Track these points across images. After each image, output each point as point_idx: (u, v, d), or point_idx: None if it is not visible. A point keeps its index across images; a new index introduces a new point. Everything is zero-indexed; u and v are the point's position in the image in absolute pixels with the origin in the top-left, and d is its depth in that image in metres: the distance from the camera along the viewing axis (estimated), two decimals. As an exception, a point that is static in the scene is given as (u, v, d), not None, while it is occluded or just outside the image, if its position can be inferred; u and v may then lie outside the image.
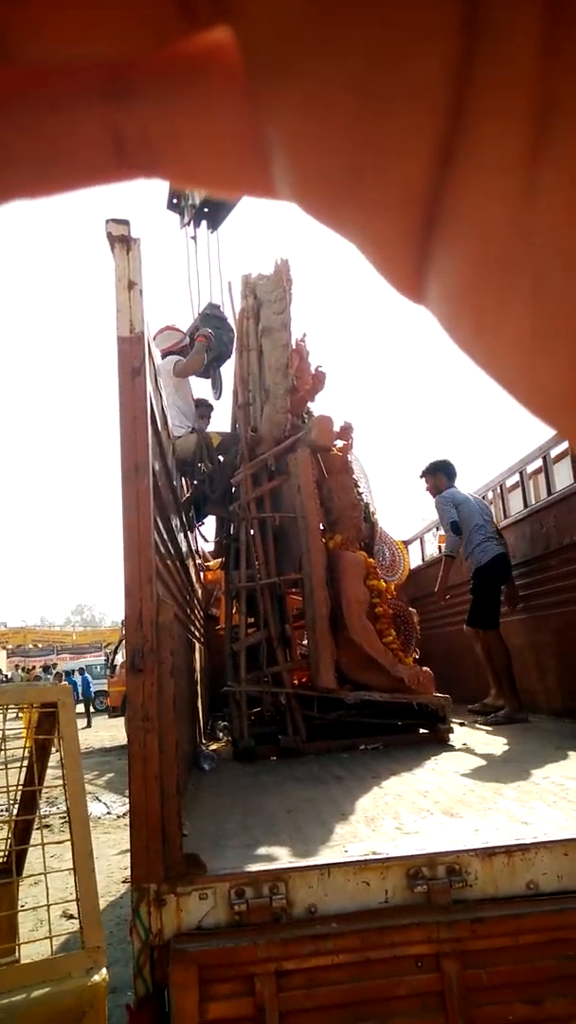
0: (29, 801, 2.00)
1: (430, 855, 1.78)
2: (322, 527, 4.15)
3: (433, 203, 0.14)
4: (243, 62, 0.14)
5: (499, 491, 5.54)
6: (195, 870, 1.74)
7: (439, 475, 4.95)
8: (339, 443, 4.53)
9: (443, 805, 2.34)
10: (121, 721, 11.42)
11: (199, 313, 5.84)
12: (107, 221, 2.05)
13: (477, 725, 4.47)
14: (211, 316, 5.76)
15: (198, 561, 5.66)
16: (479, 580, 4.67)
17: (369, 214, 0.15)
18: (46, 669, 23.91)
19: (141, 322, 2.01)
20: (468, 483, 5.89)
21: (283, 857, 1.86)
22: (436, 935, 1.65)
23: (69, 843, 1.74)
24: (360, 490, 4.51)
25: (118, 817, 6.45)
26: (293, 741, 3.81)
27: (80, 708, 17.74)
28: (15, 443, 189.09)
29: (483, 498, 5.76)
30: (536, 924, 1.67)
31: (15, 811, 1.97)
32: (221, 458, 4.89)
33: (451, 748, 3.68)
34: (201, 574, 6.04)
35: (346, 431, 4.65)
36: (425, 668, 4.00)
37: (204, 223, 5.98)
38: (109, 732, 14.74)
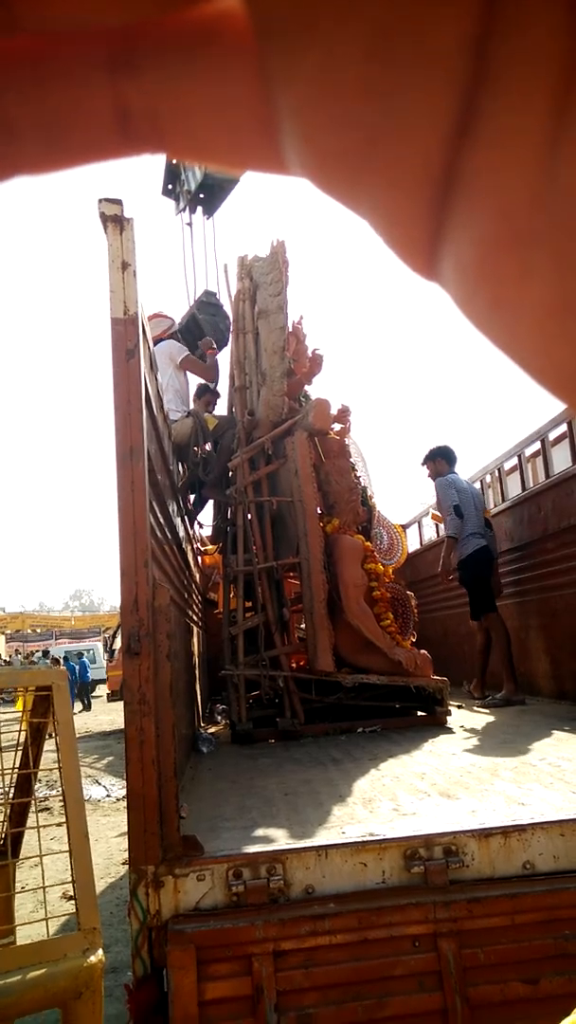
0: (24, 784, 2.00)
1: (427, 836, 1.79)
2: (320, 511, 4.15)
3: (449, 177, 0.14)
4: (254, 28, 0.14)
5: (497, 474, 5.54)
6: (193, 852, 1.74)
7: (440, 461, 5.05)
8: (336, 426, 4.51)
9: (440, 787, 2.36)
10: (120, 705, 11.43)
11: (195, 300, 5.80)
12: (100, 200, 2.02)
13: (475, 708, 4.50)
14: (207, 303, 5.73)
15: (195, 545, 5.65)
16: (463, 572, 4.86)
17: (383, 188, 0.14)
18: (45, 654, 24.13)
19: (135, 303, 1.98)
20: (466, 467, 5.90)
21: (281, 839, 1.87)
22: (433, 915, 1.66)
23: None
24: (358, 474, 4.50)
25: (117, 800, 6.49)
26: (291, 724, 3.83)
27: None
28: (13, 428, 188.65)
29: (481, 481, 5.78)
30: (532, 904, 1.68)
31: (11, 794, 1.98)
32: (218, 442, 4.87)
33: (448, 730, 3.70)
34: (199, 558, 6.04)
35: (343, 414, 4.64)
36: (423, 651, 4.02)
37: (200, 209, 5.92)
38: (108, 716, 14.83)
